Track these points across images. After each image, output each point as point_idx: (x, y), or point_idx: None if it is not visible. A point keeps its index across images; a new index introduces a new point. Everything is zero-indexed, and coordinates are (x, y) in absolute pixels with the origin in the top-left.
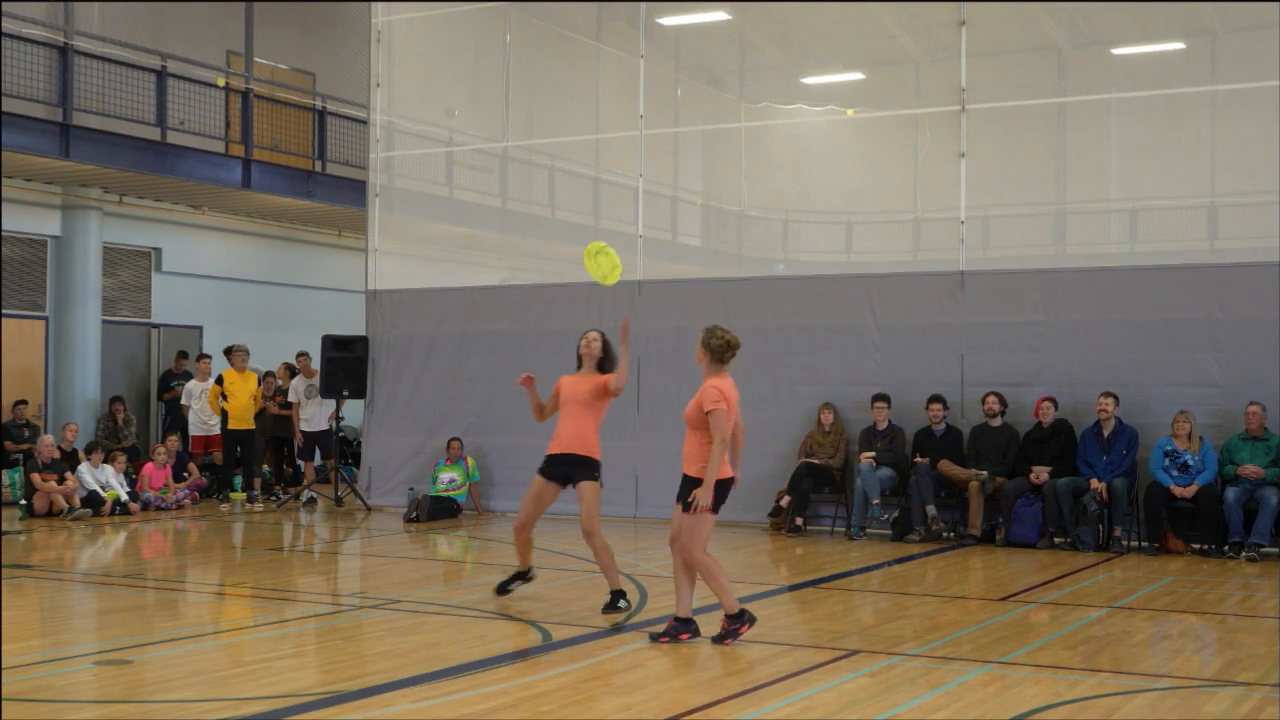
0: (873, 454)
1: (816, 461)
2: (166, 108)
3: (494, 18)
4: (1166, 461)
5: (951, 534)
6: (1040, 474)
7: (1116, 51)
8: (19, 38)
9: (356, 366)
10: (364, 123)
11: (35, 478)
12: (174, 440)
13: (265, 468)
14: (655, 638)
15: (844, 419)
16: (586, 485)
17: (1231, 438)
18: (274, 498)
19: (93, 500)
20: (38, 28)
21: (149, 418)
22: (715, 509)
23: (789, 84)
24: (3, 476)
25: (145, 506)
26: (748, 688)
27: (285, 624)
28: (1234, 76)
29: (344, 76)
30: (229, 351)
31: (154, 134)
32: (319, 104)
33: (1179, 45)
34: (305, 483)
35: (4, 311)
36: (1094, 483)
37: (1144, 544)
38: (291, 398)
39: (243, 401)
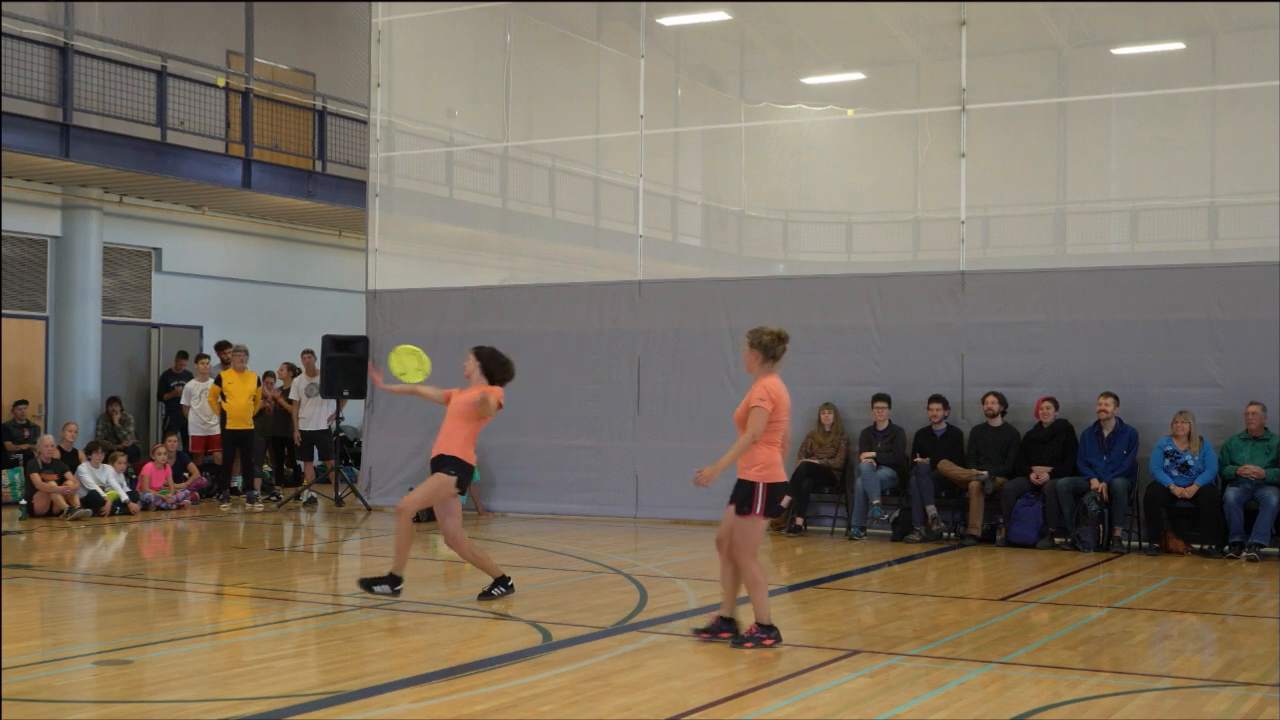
0: (873, 454)
1: (816, 461)
2: (167, 108)
3: (494, 18)
4: (1167, 462)
5: (952, 534)
6: (1040, 474)
7: (1117, 51)
8: (19, 38)
9: (357, 366)
10: (364, 123)
11: (35, 478)
12: (174, 440)
13: (265, 468)
14: (698, 631)
15: (844, 419)
16: (435, 476)
17: (1232, 438)
18: (274, 498)
19: (93, 500)
20: (38, 28)
21: (149, 418)
22: (768, 512)
23: (789, 84)
24: (3, 477)
25: (145, 507)
26: (747, 688)
27: (286, 624)
28: (1234, 76)
29: (344, 76)
30: (221, 347)
31: (154, 134)
32: (319, 104)
33: (1179, 45)
34: (305, 483)
35: (4, 311)
36: (1094, 483)
37: (1144, 544)
38: (293, 395)
39: (241, 402)
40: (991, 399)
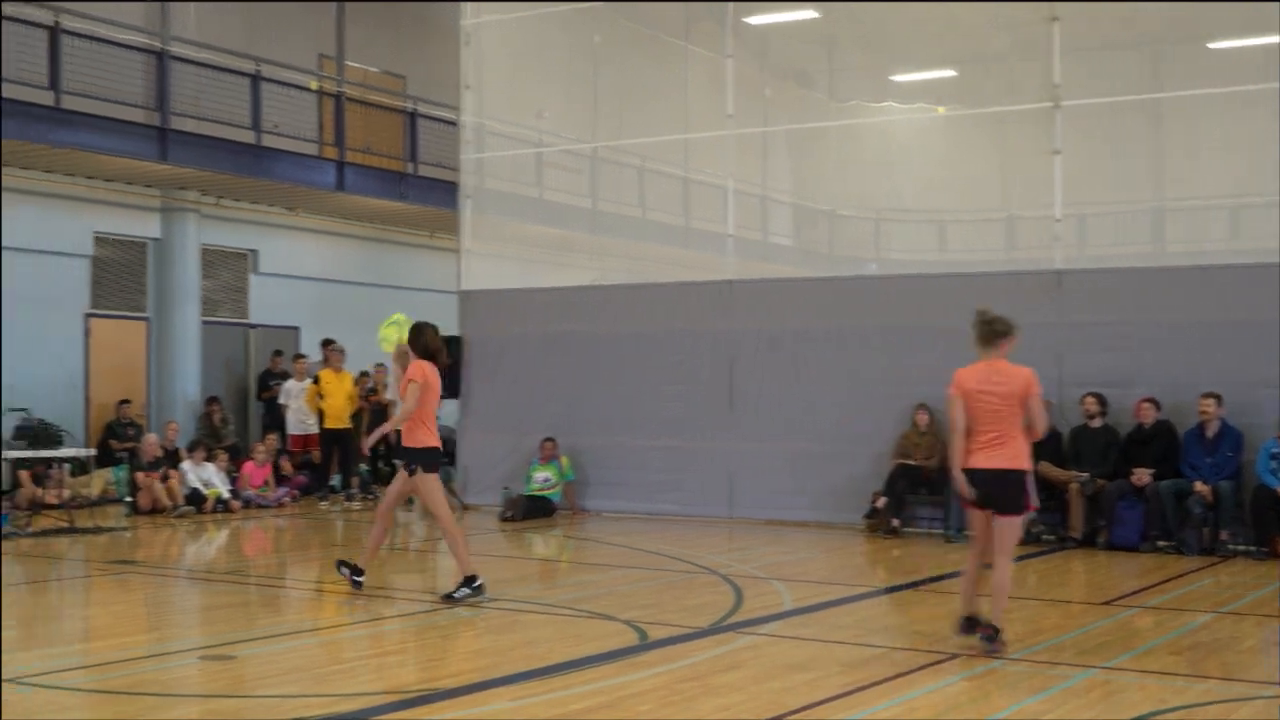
0: None
1: (912, 463)
2: (261, 111)
3: (583, 18)
4: (1273, 464)
5: (1052, 537)
6: (1142, 476)
7: (1213, 45)
8: (117, 43)
9: (450, 367)
10: (455, 124)
11: (140, 475)
12: (273, 439)
13: (363, 466)
14: (979, 637)
15: (940, 420)
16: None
17: None
18: (372, 496)
19: (195, 498)
20: (135, 33)
21: (247, 417)
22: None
23: (879, 82)
24: (109, 474)
25: (246, 504)
26: (846, 690)
27: (383, 621)
28: None
29: (435, 79)
30: (326, 344)
31: (249, 137)
32: (410, 106)
33: (1277, 39)
34: None
35: (108, 313)
36: (1199, 485)
37: (1251, 548)
38: (389, 395)
39: (339, 401)
40: (1090, 399)
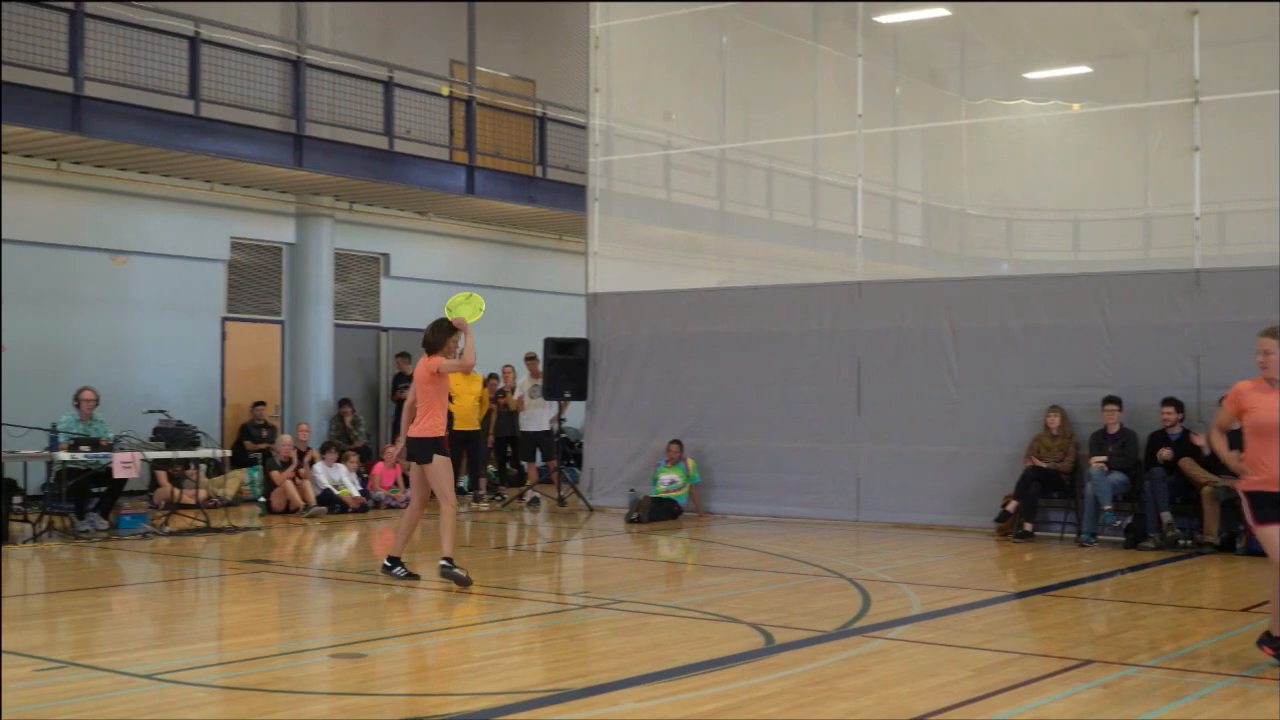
0: (1104, 458)
1: (1044, 465)
2: (394, 117)
3: (711, 20)
4: None
5: (1188, 541)
6: None
7: None
8: (255, 52)
9: (578, 369)
10: (583, 128)
11: (273, 476)
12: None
13: (490, 468)
14: (1260, 644)
15: (1073, 422)
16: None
17: None
18: (499, 498)
19: (327, 498)
20: (272, 42)
21: (379, 418)
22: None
23: (1011, 79)
24: (244, 475)
25: (376, 505)
26: (976, 695)
27: (511, 622)
28: None
29: (563, 82)
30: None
31: (382, 143)
32: (539, 110)
33: None
34: (528, 483)
35: (244, 316)
36: None
37: None
38: (517, 395)
39: (468, 403)
40: None
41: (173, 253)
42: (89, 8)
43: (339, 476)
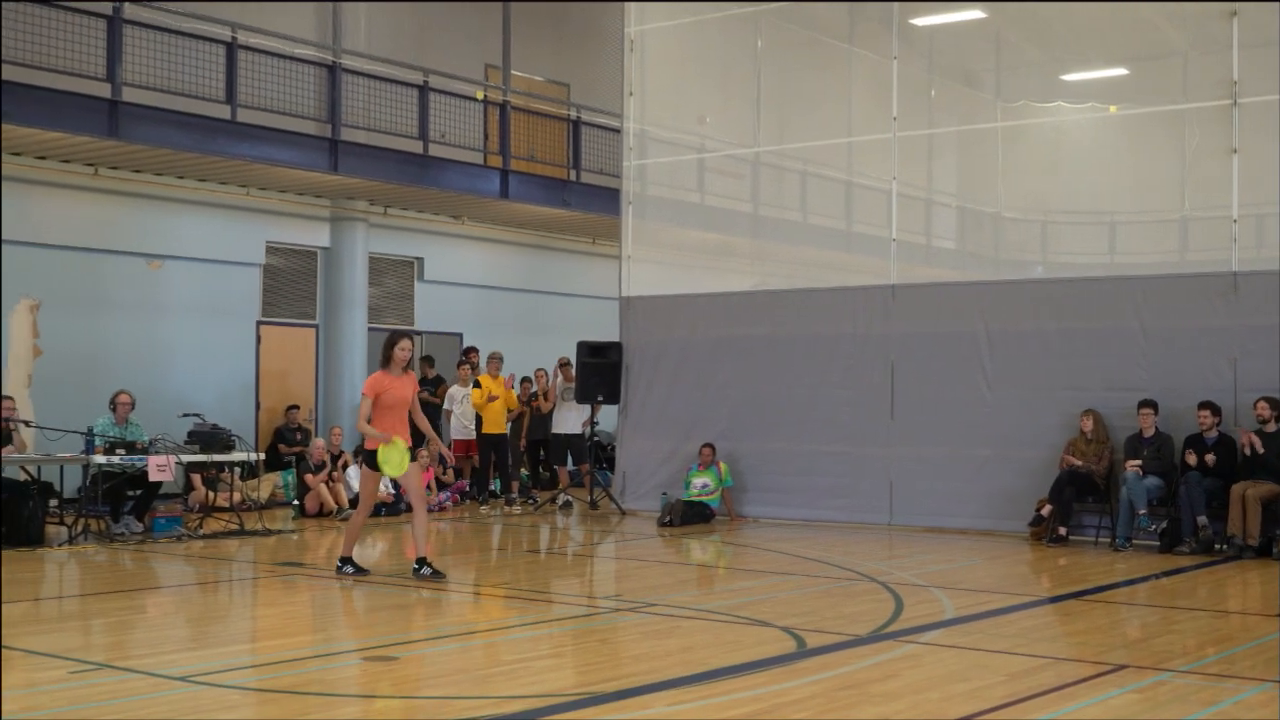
0: (1139, 462)
1: (1079, 468)
2: (429, 121)
3: (745, 23)
4: None
5: (1224, 546)
6: None
7: None
8: (291, 57)
9: (611, 372)
10: (617, 131)
11: (307, 479)
12: (435, 444)
13: (523, 471)
14: None
15: (1108, 425)
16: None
17: None
18: (531, 501)
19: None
20: (308, 47)
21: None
22: None
23: (1048, 81)
24: (277, 478)
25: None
26: (1009, 700)
27: (543, 625)
28: None
29: (598, 86)
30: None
31: (416, 147)
32: (573, 114)
33: None
34: (561, 486)
35: (278, 320)
36: None
37: None
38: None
39: (497, 406)
40: (1263, 404)
41: (208, 257)
42: (127, 12)
43: None
